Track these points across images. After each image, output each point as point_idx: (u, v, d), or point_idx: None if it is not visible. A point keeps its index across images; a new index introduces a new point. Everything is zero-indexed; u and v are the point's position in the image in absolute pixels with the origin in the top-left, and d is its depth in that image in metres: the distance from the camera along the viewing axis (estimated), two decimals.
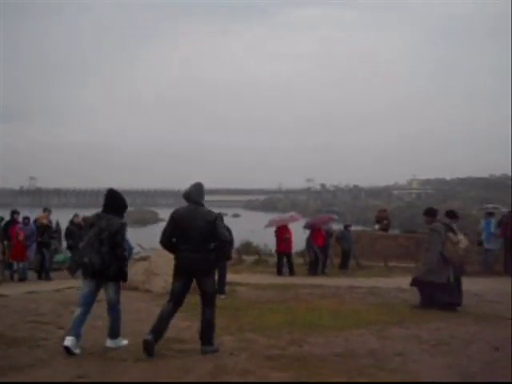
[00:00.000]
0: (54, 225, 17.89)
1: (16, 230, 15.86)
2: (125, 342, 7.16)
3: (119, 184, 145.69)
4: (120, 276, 6.93)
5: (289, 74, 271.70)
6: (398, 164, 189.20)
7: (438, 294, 10.18)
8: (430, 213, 10.81)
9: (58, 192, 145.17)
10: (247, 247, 23.93)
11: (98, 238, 6.64)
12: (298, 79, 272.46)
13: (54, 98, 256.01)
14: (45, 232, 15.97)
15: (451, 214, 11.11)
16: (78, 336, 6.67)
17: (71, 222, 16.89)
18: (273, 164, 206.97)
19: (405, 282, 13.53)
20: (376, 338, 7.85)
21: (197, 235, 6.58)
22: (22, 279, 14.88)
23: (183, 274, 6.81)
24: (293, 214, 19.20)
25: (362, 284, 13.71)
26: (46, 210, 17.39)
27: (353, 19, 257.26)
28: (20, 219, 16.50)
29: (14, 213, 16.84)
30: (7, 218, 16.80)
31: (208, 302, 6.92)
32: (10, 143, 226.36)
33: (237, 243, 17.50)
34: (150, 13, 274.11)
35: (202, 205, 6.86)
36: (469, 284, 13.12)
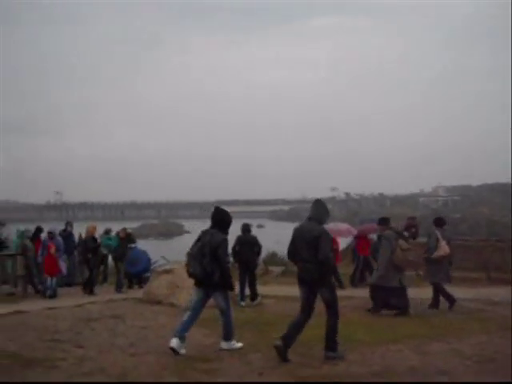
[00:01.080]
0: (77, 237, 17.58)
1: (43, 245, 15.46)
2: (239, 344, 7.66)
3: (143, 197, 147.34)
4: (224, 285, 7.48)
5: (305, 81, 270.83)
6: (424, 171, 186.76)
7: (390, 298, 10.70)
8: (383, 222, 11.49)
9: (83, 206, 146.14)
10: (273, 258, 23.37)
11: (201, 252, 7.35)
12: (315, 87, 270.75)
13: (75, 112, 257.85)
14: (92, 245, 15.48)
15: (438, 222, 11.98)
16: (182, 338, 7.37)
17: (117, 234, 16.53)
18: (296, 173, 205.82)
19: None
20: (415, 354, 7.30)
21: (306, 247, 7.06)
22: (52, 296, 14.21)
23: (301, 283, 7.23)
24: (347, 226, 17.54)
25: None
26: (68, 224, 17.14)
27: (367, 26, 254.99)
28: (43, 235, 16.07)
29: (38, 230, 16.52)
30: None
31: (329, 310, 7.20)
32: (34, 158, 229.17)
33: (263, 253, 16.90)
34: (163, 24, 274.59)
35: (318, 220, 7.28)
36: (508, 293, 12.52)
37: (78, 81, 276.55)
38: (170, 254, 21.43)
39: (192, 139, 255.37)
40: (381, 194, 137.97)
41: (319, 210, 7.37)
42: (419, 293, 12.22)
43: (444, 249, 11.32)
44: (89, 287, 14.55)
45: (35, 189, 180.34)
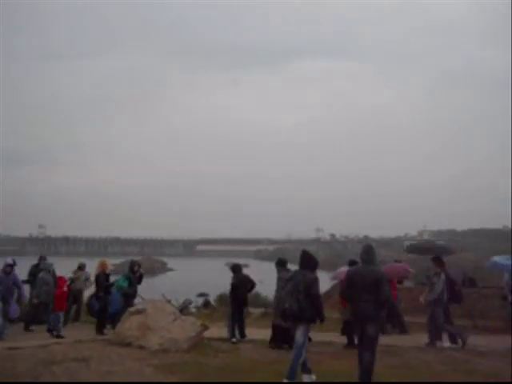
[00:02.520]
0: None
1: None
2: (312, 377, 8.37)
3: (126, 233, 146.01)
4: (312, 320, 8.42)
5: (299, 125, 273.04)
6: (409, 215, 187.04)
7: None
8: (280, 263, 12.22)
9: (66, 240, 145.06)
10: (255, 299, 22.72)
11: (296, 289, 8.25)
12: (309, 130, 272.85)
13: (64, 148, 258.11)
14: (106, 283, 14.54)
15: (352, 263, 12.18)
16: (307, 370, 8.42)
17: (132, 271, 14.83)
18: (282, 213, 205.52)
19: (424, 339, 12.42)
20: None
21: (366, 289, 7.85)
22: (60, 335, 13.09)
23: (357, 319, 8.07)
24: (404, 265, 16.44)
25: None
26: (42, 259, 16.43)
27: (361, 71, 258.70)
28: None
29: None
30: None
31: (368, 346, 7.88)
32: (18, 189, 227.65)
33: None
34: (164, 60, 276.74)
35: (374, 264, 8.19)
36: (495, 343, 12.04)
37: (74, 118, 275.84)
38: (151, 292, 20.75)
39: (177, 177, 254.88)
40: (366, 237, 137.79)
41: (373, 254, 8.21)
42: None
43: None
44: (100, 328, 13.89)
45: (18, 221, 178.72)
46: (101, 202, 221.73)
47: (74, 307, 16.26)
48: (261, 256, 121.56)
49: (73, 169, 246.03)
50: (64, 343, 11.41)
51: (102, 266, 14.84)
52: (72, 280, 16.36)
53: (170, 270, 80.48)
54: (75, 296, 16.12)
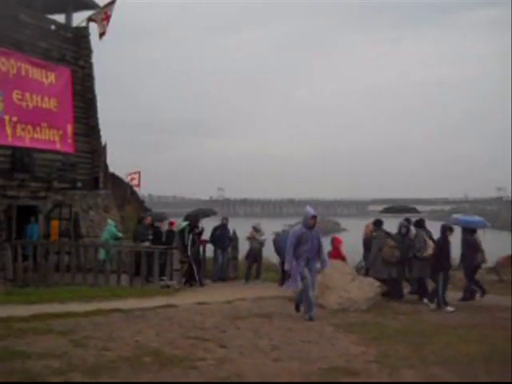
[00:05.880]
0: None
1: None
2: None
3: (301, 195, 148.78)
4: None
5: (469, 76, 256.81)
6: None
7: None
8: (376, 223, 13.54)
9: (244, 202, 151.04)
10: None
11: None
12: (482, 81, 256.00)
13: (237, 112, 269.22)
14: None
15: (419, 223, 13.33)
16: None
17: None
18: (460, 172, 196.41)
19: None
20: None
21: None
22: None
23: None
24: None
25: None
26: (224, 220, 17.33)
27: None
28: None
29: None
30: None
31: None
32: (200, 156, 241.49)
33: None
34: (321, 24, 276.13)
35: None
36: None
37: (245, 85, 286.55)
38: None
39: (353, 136, 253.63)
40: None
41: None
42: None
43: (432, 247, 12.45)
44: None
45: (200, 185, 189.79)
46: (276, 167, 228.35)
47: (255, 266, 16.86)
48: (435, 217, 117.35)
49: (254, 139, 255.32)
50: (248, 299, 11.91)
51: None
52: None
53: (344, 230, 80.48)
54: (254, 255, 16.74)
